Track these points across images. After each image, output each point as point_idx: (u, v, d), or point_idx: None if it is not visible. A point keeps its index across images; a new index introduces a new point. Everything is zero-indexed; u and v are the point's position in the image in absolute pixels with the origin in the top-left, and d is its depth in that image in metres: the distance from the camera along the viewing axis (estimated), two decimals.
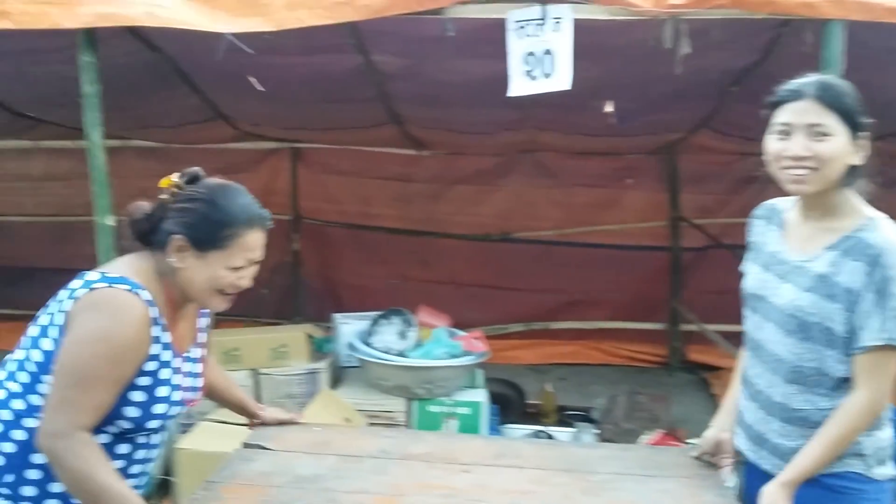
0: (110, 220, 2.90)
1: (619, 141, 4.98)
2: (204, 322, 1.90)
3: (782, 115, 1.71)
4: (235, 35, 2.63)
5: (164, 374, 1.69)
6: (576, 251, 5.91)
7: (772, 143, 1.74)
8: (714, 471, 1.99)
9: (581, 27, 2.66)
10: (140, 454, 1.74)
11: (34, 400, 1.63)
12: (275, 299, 5.91)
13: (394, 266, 6.00)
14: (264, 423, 2.16)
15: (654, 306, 5.91)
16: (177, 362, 1.74)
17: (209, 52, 2.84)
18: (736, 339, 4.80)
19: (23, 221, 6.21)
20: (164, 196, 1.69)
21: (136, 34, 3.29)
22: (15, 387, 1.66)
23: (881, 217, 1.72)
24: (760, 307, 1.84)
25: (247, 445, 2.05)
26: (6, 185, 6.11)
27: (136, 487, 1.74)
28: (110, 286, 1.59)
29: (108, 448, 1.66)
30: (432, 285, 5.81)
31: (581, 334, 6.02)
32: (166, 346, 1.69)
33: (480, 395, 3.59)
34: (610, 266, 5.85)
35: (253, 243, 1.70)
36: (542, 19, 2.65)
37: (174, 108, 4.47)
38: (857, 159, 1.68)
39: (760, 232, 1.92)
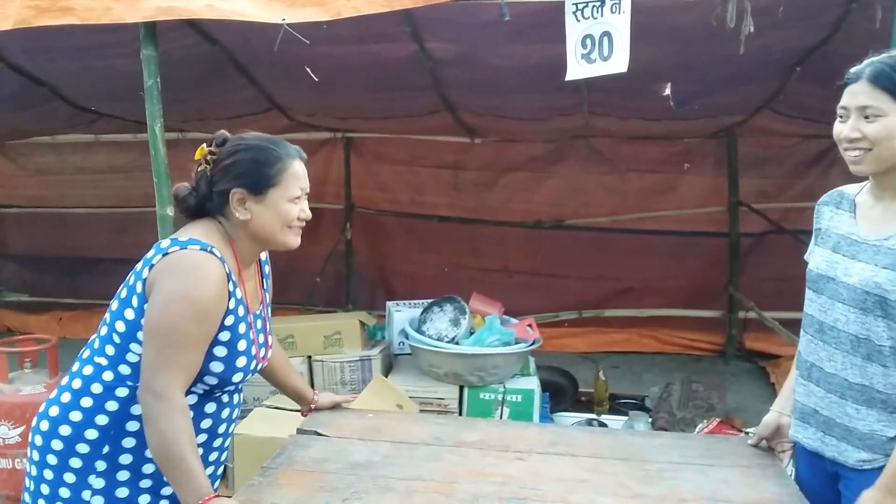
0: (170, 211, 2.96)
1: (677, 124, 4.88)
2: (266, 282, 1.97)
3: (843, 98, 1.73)
4: (291, 25, 2.65)
5: (241, 328, 1.76)
6: (630, 238, 5.84)
7: (835, 126, 1.76)
8: (773, 459, 1.95)
9: (640, 8, 2.61)
10: (225, 413, 1.83)
11: (124, 370, 1.71)
12: (327, 288, 6.00)
13: (445, 254, 6.03)
14: (318, 408, 2.20)
15: (711, 293, 5.80)
16: (249, 318, 1.81)
17: (266, 44, 2.87)
18: (795, 327, 4.70)
19: (84, 213, 6.44)
20: (201, 166, 1.77)
21: (195, 27, 3.36)
22: (103, 360, 1.73)
23: None
24: (827, 288, 1.80)
25: (301, 431, 2.08)
26: (68, 178, 6.33)
27: (223, 445, 1.86)
28: (184, 248, 1.67)
29: (197, 408, 1.74)
30: (484, 273, 5.82)
31: (635, 322, 5.96)
32: (240, 302, 1.76)
33: (532, 383, 3.58)
34: (665, 252, 5.77)
35: (300, 172, 1.79)
36: (601, 1, 2.61)
37: (231, 99, 4.54)
38: None
39: (828, 218, 1.89)
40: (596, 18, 2.68)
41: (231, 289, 1.72)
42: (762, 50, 3.17)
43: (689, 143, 5.64)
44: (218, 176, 1.74)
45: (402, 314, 3.94)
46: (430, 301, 3.84)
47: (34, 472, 1.75)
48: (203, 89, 4.26)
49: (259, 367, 1.89)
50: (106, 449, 1.71)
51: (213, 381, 1.73)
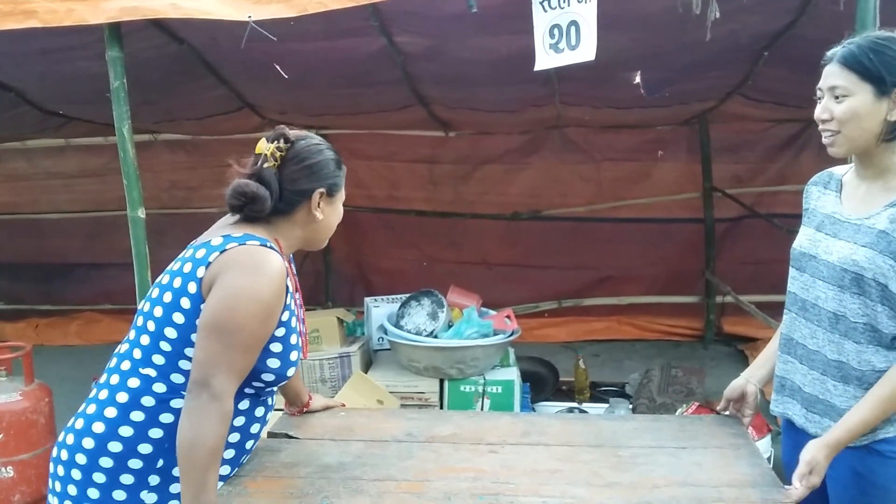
0: (142, 213, 2.93)
1: (649, 112, 4.91)
2: (293, 269, 1.95)
3: (821, 80, 1.76)
4: (258, 22, 2.64)
5: (293, 322, 1.75)
6: (607, 226, 5.88)
7: (816, 108, 1.79)
8: (746, 439, 1.97)
9: None
10: (268, 416, 1.85)
11: (177, 379, 1.65)
12: (306, 286, 5.89)
13: (423, 248, 6.04)
14: (311, 411, 2.18)
15: (689, 279, 5.86)
16: (297, 311, 1.80)
17: (234, 42, 2.85)
18: (771, 310, 4.78)
19: (57, 219, 6.36)
20: (270, 163, 1.70)
21: (161, 27, 3.33)
22: (151, 371, 1.66)
23: None
24: (809, 266, 1.83)
25: (272, 434, 2.04)
26: (40, 183, 6.26)
27: (253, 447, 1.86)
28: (242, 245, 1.63)
29: (249, 413, 1.75)
30: (462, 266, 5.83)
31: (614, 310, 6.00)
32: (292, 296, 1.75)
33: (512, 374, 3.59)
34: (642, 240, 5.82)
35: None
36: None
37: (201, 99, 4.51)
38: (894, 115, 1.68)
39: (816, 198, 1.93)
40: (563, 8, 2.68)
41: (287, 283, 1.69)
42: (730, 36, 3.19)
43: (662, 131, 5.67)
44: (299, 174, 1.72)
45: (380, 310, 3.93)
46: (407, 295, 3.83)
47: (73, 491, 1.67)
48: (172, 90, 4.23)
49: (301, 359, 1.86)
50: (160, 463, 1.66)
51: (270, 377, 1.71)
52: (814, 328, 1.82)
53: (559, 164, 5.81)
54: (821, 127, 1.75)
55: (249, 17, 2.66)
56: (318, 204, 1.75)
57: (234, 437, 1.75)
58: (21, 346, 3.51)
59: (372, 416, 2.23)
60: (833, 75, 1.70)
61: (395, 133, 5.77)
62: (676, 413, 3.68)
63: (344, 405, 2.29)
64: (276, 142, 1.71)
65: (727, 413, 2.10)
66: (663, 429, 2.05)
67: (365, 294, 4.96)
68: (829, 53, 1.75)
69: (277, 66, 3.54)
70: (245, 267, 1.60)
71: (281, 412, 2.19)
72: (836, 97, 1.70)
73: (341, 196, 1.83)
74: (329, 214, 1.79)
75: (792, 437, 1.91)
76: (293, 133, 1.76)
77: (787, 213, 5.27)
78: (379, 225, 6.05)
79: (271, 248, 1.65)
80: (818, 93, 1.76)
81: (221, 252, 1.62)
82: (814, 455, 1.69)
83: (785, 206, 5.39)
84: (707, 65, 3.77)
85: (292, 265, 1.93)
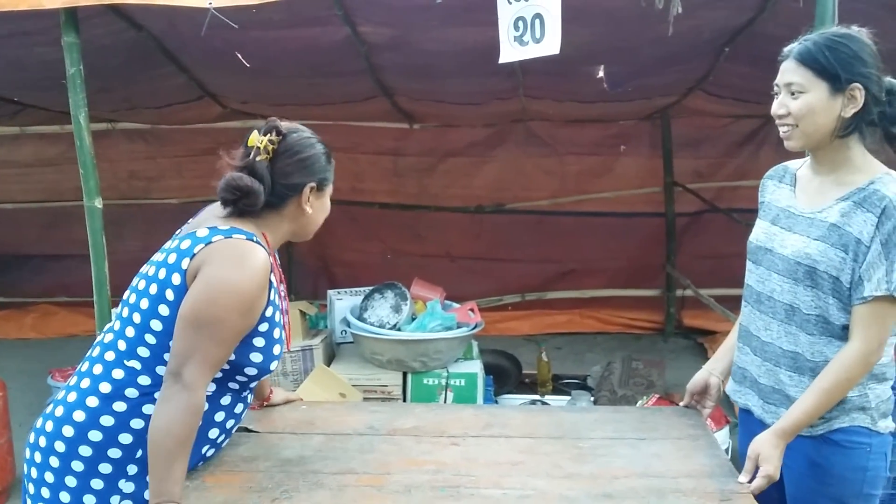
0: (99, 203, 2.87)
1: (612, 107, 4.94)
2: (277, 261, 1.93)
3: (778, 76, 1.78)
4: (219, 9, 2.59)
5: (277, 317, 1.73)
6: (570, 220, 5.92)
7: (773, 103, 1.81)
8: (704, 430, 2.00)
9: None
10: (244, 412, 1.84)
11: (162, 371, 1.62)
12: None
13: (387, 241, 6.02)
14: (271, 405, 2.16)
15: (650, 273, 5.94)
16: (281, 305, 1.77)
17: (194, 29, 2.79)
18: (730, 303, 4.85)
19: (11, 209, 6.19)
20: (262, 157, 1.68)
21: (119, 13, 3.24)
22: (136, 364, 1.64)
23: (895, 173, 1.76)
24: (765, 259, 1.86)
25: None
26: None
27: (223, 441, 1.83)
28: (228, 237, 1.61)
29: (229, 408, 1.73)
30: (426, 259, 5.83)
31: (576, 303, 6.05)
32: (276, 291, 1.72)
33: (476, 367, 3.60)
34: (604, 234, 5.87)
35: None
36: None
37: (161, 88, 4.42)
38: (848, 111, 1.70)
39: (771, 192, 1.95)
40: (527, 0, 2.68)
41: (272, 279, 1.67)
42: (692, 31, 3.22)
43: (625, 126, 5.72)
44: (291, 168, 1.70)
45: (343, 302, 3.91)
46: (370, 288, 3.81)
47: (50, 478, 1.65)
48: (131, 77, 4.14)
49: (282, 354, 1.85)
50: (139, 453, 1.64)
51: (252, 371, 1.69)
52: (768, 320, 1.85)
53: (523, 157, 5.83)
54: (777, 122, 1.78)
55: (210, 3, 2.62)
56: (308, 198, 1.74)
57: (213, 433, 1.74)
58: None
59: (334, 410, 2.21)
60: (789, 72, 1.73)
61: (359, 125, 5.74)
62: (637, 405, 3.72)
63: (301, 399, 2.27)
64: (268, 134, 1.69)
65: (683, 404, 2.13)
66: (624, 420, 2.07)
67: (328, 286, 4.93)
68: (785, 50, 1.78)
69: (239, 55, 3.48)
70: (228, 260, 1.59)
71: None
72: (793, 93, 1.73)
73: (330, 190, 1.81)
74: (317, 209, 1.78)
75: (749, 427, 1.94)
76: (285, 125, 1.74)
77: (747, 207, 5.29)
78: (342, 217, 5.99)
79: (257, 242, 1.64)
80: (775, 88, 1.79)
81: (207, 244, 1.61)
82: (759, 448, 1.72)
83: (744, 200, 5.46)
84: (669, 60, 3.80)
85: (275, 255, 1.91)
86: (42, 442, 1.67)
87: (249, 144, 1.69)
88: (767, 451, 1.71)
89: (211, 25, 2.66)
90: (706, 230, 5.76)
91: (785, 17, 3.14)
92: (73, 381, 1.71)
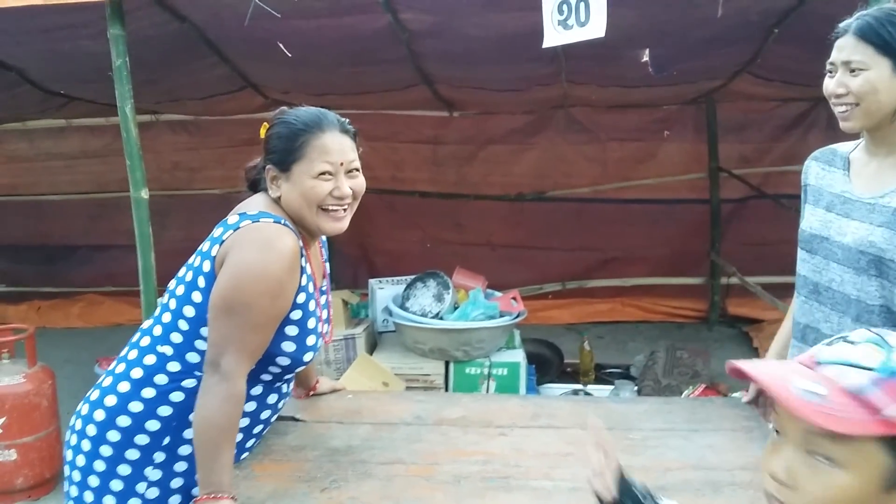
0: (145, 194, 2.90)
1: (656, 91, 4.84)
2: (325, 253, 1.91)
3: (832, 54, 1.70)
4: None
5: (311, 305, 1.70)
6: (612, 207, 5.83)
7: (825, 82, 1.72)
8: (758, 421, 1.95)
9: None
10: (281, 403, 1.81)
11: (192, 358, 1.63)
12: None
13: (427, 230, 6.00)
14: (318, 394, 2.16)
15: (694, 260, 5.83)
16: (316, 295, 1.75)
17: (237, 19, 2.80)
18: (777, 291, 4.74)
19: (59, 200, 6.31)
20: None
21: (163, 4, 3.27)
22: (167, 350, 1.65)
23: None
24: (821, 248, 1.78)
25: (278, 417, 2.01)
26: (41, 165, 6.21)
27: (262, 432, 1.81)
28: (256, 222, 1.60)
29: (261, 399, 1.71)
30: (467, 247, 5.80)
31: (618, 291, 5.97)
32: (310, 278, 1.70)
33: (518, 356, 3.57)
34: (647, 221, 5.77)
35: (329, 145, 1.64)
36: None
37: (203, 79, 4.46)
38: None
39: (820, 175, 1.86)
40: None
41: (303, 264, 1.65)
42: (740, 12, 3.13)
43: (668, 110, 5.62)
44: (263, 153, 1.71)
45: (385, 291, 3.91)
46: (412, 277, 3.81)
47: (82, 462, 1.66)
48: (174, 69, 4.18)
49: (321, 345, 1.81)
50: (167, 440, 1.64)
51: (285, 361, 1.67)
52: (827, 312, 1.78)
53: (564, 144, 5.76)
54: (834, 101, 1.69)
55: None
56: (273, 182, 1.67)
57: (244, 422, 1.73)
58: (24, 329, 3.49)
59: (379, 399, 2.21)
60: (849, 48, 1.64)
61: (399, 113, 5.72)
62: (683, 395, 3.66)
63: (346, 389, 2.27)
64: (271, 121, 1.72)
65: (746, 400, 2.05)
66: (674, 411, 2.03)
67: (368, 275, 4.94)
68: (841, 26, 1.68)
69: (280, 45, 3.49)
70: (254, 243, 1.57)
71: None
72: (852, 70, 1.63)
73: (307, 170, 1.62)
74: (287, 192, 1.65)
75: None
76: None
77: (794, 193, 5.18)
78: (382, 206, 6.01)
79: (285, 224, 1.62)
80: (829, 67, 1.70)
81: (235, 230, 1.60)
82: None
83: (792, 186, 5.24)
84: (716, 42, 3.70)
85: (323, 249, 1.90)
86: (77, 425, 1.69)
87: (261, 135, 1.73)
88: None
89: (253, 16, 2.66)
90: (752, 216, 5.63)
91: None
92: (112, 365, 1.72)
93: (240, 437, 1.73)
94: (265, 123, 1.72)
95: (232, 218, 1.64)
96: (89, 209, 6.19)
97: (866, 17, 1.64)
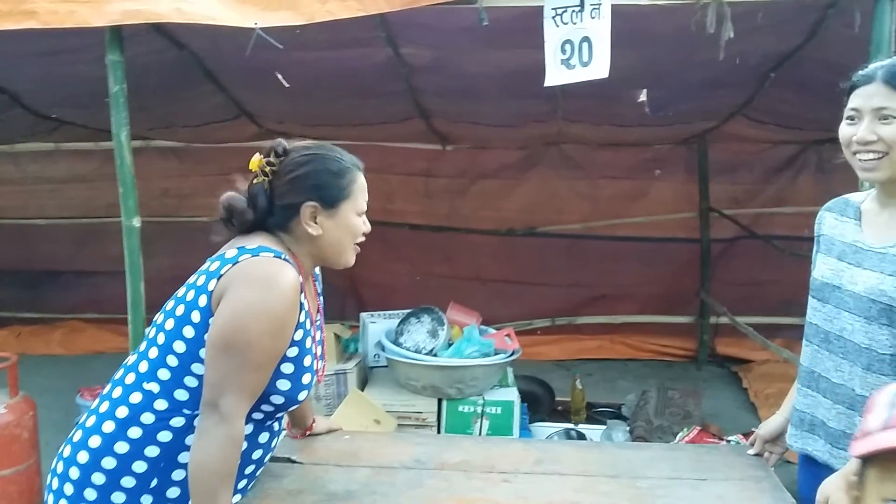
0: (137, 222, 2.84)
1: (649, 131, 4.88)
2: (319, 288, 1.88)
3: (853, 100, 1.69)
4: (264, 29, 2.57)
5: (308, 343, 1.66)
6: (602, 244, 5.83)
7: (843, 129, 1.71)
8: (767, 471, 1.91)
9: (620, 13, 2.58)
10: (273, 442, 1.76)
11: (180, 395, 1.57)
12: None
13: (417, 263, 5.96)
14: (313, 434, 2.10)
15: (683, 299, 5.83)
16: (312, 331, 1.70)
17: (236, 49, 2.77)
18: (766, 331, 4.71)
19: (44, 224, 6.21)
20: (259, 178, 1.66)
21: (162, 32, 3.25)
22: (154, 387, 1.59)
23: None
24: (833, 297, 1.77)
25: (273, 459, 1.95)
26: (28, 188, 6.11)
27: (254, 473, 1.75)
28: (255, 256, 1.55)
29: (252, 438, 1.64)
30: (456, 281, 5.76)
31: (607, 329, 5.95)
32: (307, 314, 1.66)
33: (512, 395, 3.51)
34: (637, 259, 5.78)
35: (364, 184, 1.73)
36: (580, 6, 2.57)
37: (199, 106, 4.43)
38: None
39: (832, 225, 1.86)
40: (575, 24, 2.65)
41: (302, 300, 1.61)
42: (739, 56, 3.16)
43: (660, 150, 5.65)
44: (284, 188, 1.64)
45: (377, 326, 3.85)
46: (406, 312, 3.75)
47: None
48: (169, 96, 4.15)
49: (315, 384, 1.77)
50: (154, 482, 1.58)
51: (279, 400, 1.62)
52: (839, 360, 1.76)
53: (556, 180, 5.77)
54: (859, 149, 1.66)
55: (256, 23, 2.61)
56: (312, 218, 1.64)
57: (249, 469, 1.68)
58: (6, 357, 3.39)
59: (377, 441, 2.15)
60: (879, 96, 1.62)
61: (392, 145, 5.71)
62: (677, 437, 3.62)
63: (342, 429, 2.21)
64: (267, 156, 1.66)
65: (753, 453, 2.03)
66: (680, 458, 2.00)
67: (356, 308, 4.88)
68: (862, 73, 1.68)
69: (279, 75, 3.47)
70: (255, 280, 1.52)
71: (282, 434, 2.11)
72: (884, 118, 1.62)
73: (353, 207, 1.68)
74: (331, 229, 1.66)
75: (812, 472, 1.84)
76: (293, 144, 1.70)
77: (785, 234, 5.26)
78: (372, 238, 5.82)
79: (286, 260, 1.58)
80: (850, 113, 1.69)
81: (234, 264, 1.55)
82: (829, 491, 1.62)
83: (782, 227, 5.38)
84: (714, 84, 3.74)
85: (317, 284, 1.86)
86: (60, 467, 1.63)
87: (250, 168, 1.67)
88: (838, 496, 1.62)
89: (254, 46, 2.64)
90: (742, 256, 5.65)
91: (835, 44, 3.08)
92: (94, 403, 1.66)
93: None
94: (258, 155, 1.67)
95: (230, 252, 1.59)
96: (75, 234, 6.09)
97: (894, 66, 1.64)
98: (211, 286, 1.55)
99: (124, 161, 2.85)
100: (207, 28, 2.67)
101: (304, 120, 4.76)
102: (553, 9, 2.60)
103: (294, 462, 1.93)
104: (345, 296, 6.08)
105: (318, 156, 1.67)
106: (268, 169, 1.65)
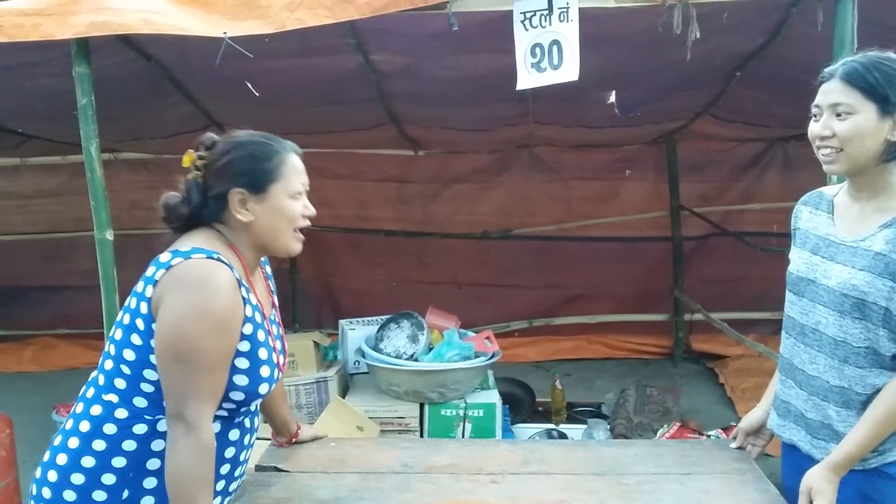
0: (110, 235, 2.81)
1: (620, 132, 4.93)
2: (272, 284, 1.86)
3: (817, 97, 1.74)
4: (233, 39, 2.55)
5: (261, 335, 1.65)
6: (576, 245, 5.88)
7: (810, 125, 1.76)
8: (750, 463, 1.94)
9: (588, 16, 2.60)
10: (246, 439, 1.73)
11: (139, 403, 1.57)
12: None
13: (392, 268, 5.96)
14: (299, 442, 2.10)
15: (657, 297, 5.89)
16: (266, 325, 1.69)
17: (204, 58, 2.75)
18: (740, 327, 4.77)
19: (11, 240, 6.09)
20: (191, 174, 1.65)
21: (129, 43, 3.22)
22: (113, 397, 1.59)
23: None
24: (808, 290, 1.80)
25: (259, 468, 1.95)
26: None
27: (242, 473, 1.76)
28: (187, 259, 1.54)
29: (222, 436, 1.63)
30: (433, 286, 5.76)
31: (584, 329, 5.99)
32: (255, 308, 1.64)
33: (493, 397, 3.52)
34: (611, 259, 5.83)
35: (299, 165, 1.70)
36: (548, 9, 2.59)
37: (167, 117, 4.38)
38: (895, 135, 1.66)
39: (807, 219, 1.89)
40: (544, 27, 2.67)
41: (245, 294, 1.60)
42: (705, 56, 3.20)
43: (630, 150, 5.72)
44: (213, 179, 1.63)
45: (356, 332, 3.84)
46: (386, 318, 3.75)
47: None
48: (138, 107, 4.10)
49: (280, 377, 1.76)
50: (126, 493, 1.57)
51: (239, 396, 1.61)
52: (814, 353, 1.79)
53: (528, 183, 5.80)
54: (819, 144, 1.72)
55: (224, 33, 2.59)
56: (242, 205, 1.63)
57: (224, 469, 1.68)
58: None
59: (364, 447, 2.15)
60: (836, 92, 1.68)
61: (364, 152, 5.71)
62: (658, 433, 3.65)
63: (328, 436, 2.20)
64: (198, 150, 1.67)
65: (736, 446, 2.06)
66: (665, 454, 2.02)
67: (332, 315, 4.86)
68: (826, 71, 1.73)
69: (249, 84, 3.45)
70: (189, 284, 1.52)
71: (268, 442, 2.10)
72: (839, 114, 1.67)
73: (284, 189, 1.64)
74: (263, 214, 1.63)
75: (795, 462, 1.88)
76: (219, 137, 1.70)
77: (755, 230, 5.36)
78: (347, 245, 5.95)
79: (219, 259, 1.56)
80: (814, 110, 1.74)
81: (167, 269, 1.54)
82: (812, 482, 1.67)
83: (752, 223, 5.47)
84: (681, 85, 3.79)
85: (270, 282, 1.86)
86: (34, 489, 1.63)
87: (183, 164, 1.67)
88: (821, 486, 1.65)
89: (223, 55, 2.62)
90: (714, 253, 5.73)
91: (798, 42, 3.13)
92: (63, 422, 1.66)
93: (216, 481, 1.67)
94: (190, 151, 1.66)
95: (164, 256, 1.58)
96: (43, 249, 5.98)
97: (853, 63, 1.68)
98: (148, 292, 1.55)
99: (95, 174, 2.81)
100: (176, 39, 2.65)
101: (275, 128, 4.66)
102: (522, 13, 2.62)
103: (281, 470, 1.92)
104: (321, 303, 6.07)
105: (242, 142, 1.66)
106: (199, 163, 1.65)
